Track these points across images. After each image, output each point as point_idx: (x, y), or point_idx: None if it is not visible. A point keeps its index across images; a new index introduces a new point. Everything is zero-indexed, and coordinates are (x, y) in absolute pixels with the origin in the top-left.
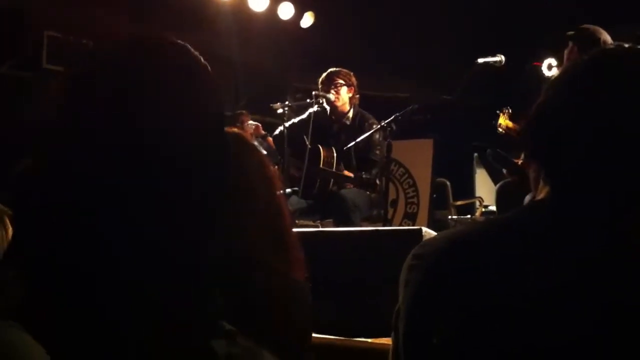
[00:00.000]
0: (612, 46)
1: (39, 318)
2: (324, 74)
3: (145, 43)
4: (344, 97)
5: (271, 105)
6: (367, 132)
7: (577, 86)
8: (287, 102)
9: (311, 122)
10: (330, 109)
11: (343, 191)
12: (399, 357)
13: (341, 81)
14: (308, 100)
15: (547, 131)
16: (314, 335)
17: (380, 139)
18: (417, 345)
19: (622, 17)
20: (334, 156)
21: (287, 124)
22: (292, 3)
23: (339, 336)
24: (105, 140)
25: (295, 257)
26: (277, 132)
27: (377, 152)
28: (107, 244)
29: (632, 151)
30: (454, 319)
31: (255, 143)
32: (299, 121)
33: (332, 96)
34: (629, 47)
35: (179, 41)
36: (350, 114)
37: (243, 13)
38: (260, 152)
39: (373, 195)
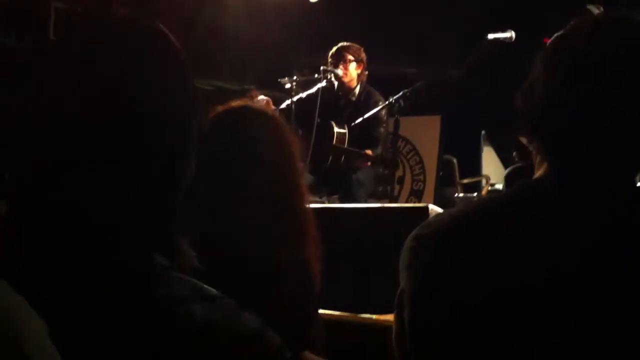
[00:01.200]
0: (598, 16)
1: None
2: (334, 48)
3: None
4: (352, 72)
5: (279, 80)
6: (372, 109)
7: (570, 61)
8: (294, 77)
9: (319, 97)
10: (337, 85)
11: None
12: (405, 342)
13: (350, 57)
14: (316, 75)
15: (542, 108)
16: (320, 311)
17: (386, 116)
18: (424, 331)
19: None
20: (346, 134)
21: (294, 99)
22: None
23: (345, 312)
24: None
25: (308, 232)
26: (283, 105)
27: (382, 129)
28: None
29: (630, 129)
30: (460, 302)
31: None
32: (307, 96)
33: (340, 71)
34: (617, 18)
35: (154, 25)
36: (357, 91)
37: None
38: (275, 122)
39: (381, 171)
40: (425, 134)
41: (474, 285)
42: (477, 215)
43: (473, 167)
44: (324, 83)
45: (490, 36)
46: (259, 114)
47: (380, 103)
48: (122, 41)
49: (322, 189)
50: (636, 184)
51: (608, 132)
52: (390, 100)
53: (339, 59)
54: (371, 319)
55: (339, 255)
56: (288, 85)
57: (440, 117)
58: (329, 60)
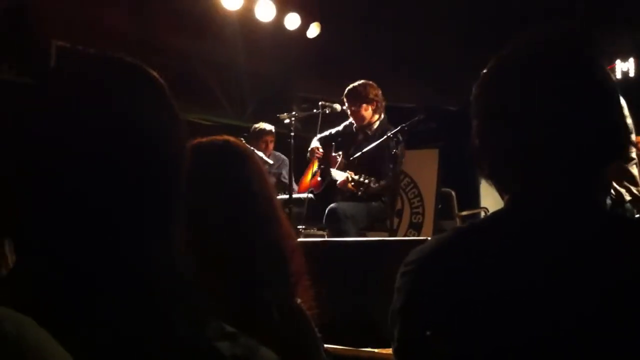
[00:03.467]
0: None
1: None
2: (346, 90)
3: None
4: (363, 114)
5: (278, 115)
6: (384, 142)
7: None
8: (293, 112)
9: (319, 126)
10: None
11: (338, 204)
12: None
13: (359, 100)
14: (314, 110)
15: (483, 151)
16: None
17: (399, 152)
18: (411, 347)
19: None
20: (340, 162)
21: (321, 136)
22: (299, 14)
23: (346, 346)
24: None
25: (296, 271)
26: (318, 138)
27: (391, 165)
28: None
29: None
30: (442, 319)
31: (261, 155)
32: (334, 132)
33: (337, 106)
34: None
35: (136, 64)
36: (375, 126)
37: (249, 23)
38: (253, 160)
39: (374, 204)
40: (423, 167)
41: (454, 303)
42: (456, 239)
43: (471, 199)
44: (349, 121)
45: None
46: (238, 151)
47: (393, 140)
48: (110, 83)
49: (316, 221)
50: (593, 195)
51: (544, 163)
52: (389, 134)
53: (350, 102)
54: (373, 352)
55: (339, 289)
56: (287, 121)
57: (438, 150)
58: (344, 100)
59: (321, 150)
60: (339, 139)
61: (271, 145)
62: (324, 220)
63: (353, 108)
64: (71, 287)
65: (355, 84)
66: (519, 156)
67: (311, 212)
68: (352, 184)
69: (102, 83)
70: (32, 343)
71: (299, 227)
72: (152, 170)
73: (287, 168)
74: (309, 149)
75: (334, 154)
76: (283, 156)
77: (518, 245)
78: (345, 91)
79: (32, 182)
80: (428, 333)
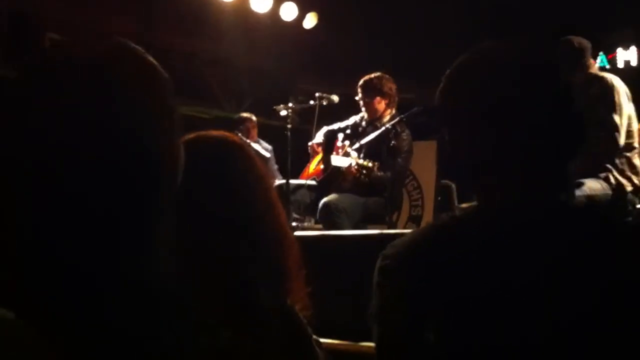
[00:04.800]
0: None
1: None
2: (361, 81)
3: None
4: (377, 107)
5: (274, 107)
6: (391, 136)
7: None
8: (290, 104)
9: (316, 118)
10: (366, 113)
11: (332, 196)
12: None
13: (374, 93)
14: (311, 102)
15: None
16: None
17: (405, 148)
18: (395, 344)
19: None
20: (344, 150)
21: (289, 126)
22: (295, 3)
23: (345, 340)
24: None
25: (292, 268)
26: (323, 131)
27: (401, 159)
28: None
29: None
30: (423, 315)
31: (256, 145)
32: (343, 126)
33: (335, 97)
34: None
35: (126, 44)
36: (386, 119)
37: (245, 14)
38: (250, 155)
39: (373, 199)
40: (422, 159)
41: (435, 299)
42: (436, 235)
43: (471, 192)
44: (360, 115)
45: None
46: (235, 146)
47: (402, 134)
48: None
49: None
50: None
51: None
52: (387, 126)
53: (364, 92)
54: (371, 347)
55: (338, 283)
56: (284, 113)
57: (436, 142)
58: (358, 91)
59: (320, 146)
60: (348, 132)
61: (254, 132)
62: (317, 215)
63: (367, 100)
64: (71, 287)
65: (372, 75)
66: (488, 157)
67: (315, 200)
68: (356, 167)
69: (91, 74)
70: None
71: (293, 223)
72: (141, 165)
73: (272, 155)
74: (310, 143)
75: (340, 144)
76: (269, 145)
77: (497, 241)
78: (361, 82)
79: (25, 179)
80: (413, 329)
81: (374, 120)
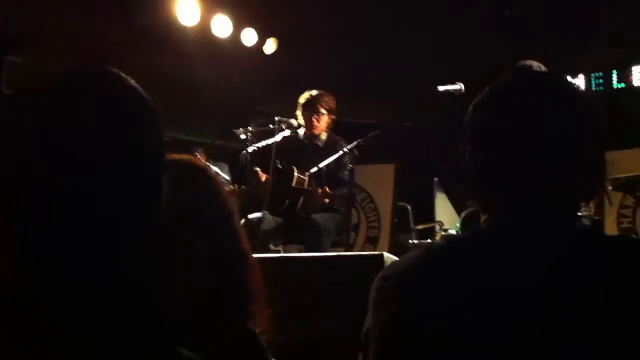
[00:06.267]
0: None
1: None
2: (307, 96)
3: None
4: (322, 124)
5: (234, 130)
6: (342, 157)
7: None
8: (249, 128)
9: (274, 146)
10: (304, 132)
11: (316, 216)
12: None
13: (323, 109)
14: (270, 126)
15: (467, 173)
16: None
17: (348, 162)
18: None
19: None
20: (306, 178)
21: (250, 149)
22: (255, 29)
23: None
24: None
25: (253, 290)
26: (244, 151)
27: (346, 172)
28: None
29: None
30: (424, 336)
31: (216, 169)
32: (266, 145)
33: (294, 122)
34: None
35: (113, 71)
36: (324, 137)
37: (207, 38)
38: (215, 178)
39: (339, 215)
40: (379, 182)
41: (437, 321)
42: (438, 255)
43: (427, 213)
44: (287, 132)
45: (441, 88)
46: (203, 169)
47: (345, 147)
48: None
49: (281, 237)
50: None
51: (521, 185)
52: (345, 149)
53: (312, 109)
54: None
55: (296, 303)
56: (243, 136)
57: (394, 166)
58: (301, 106)
59: (260, 172)
60: (282, 151)
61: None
62: (303, 235)
63: (314, 117)
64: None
65: (314, 92)
66: (505, 183)
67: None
68: (321, 193)
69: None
70: None
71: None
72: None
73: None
74: (251, 170)
75: (280, 166)
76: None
77: (504, 263)
78: (305, 98)
79: (26, 183)
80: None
81: (313, 138)
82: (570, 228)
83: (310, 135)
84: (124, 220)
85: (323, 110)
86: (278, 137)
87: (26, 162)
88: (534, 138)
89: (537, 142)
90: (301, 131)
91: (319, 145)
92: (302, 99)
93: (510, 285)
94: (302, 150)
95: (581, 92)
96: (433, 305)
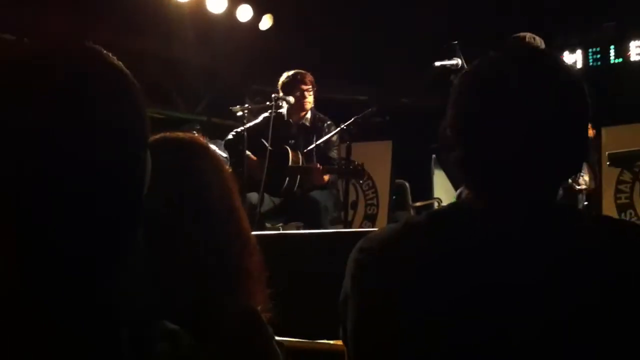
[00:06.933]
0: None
1: None
2: (289, 74)
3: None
4: (311, 99)
5: (230, 108)
6: (325, 132)
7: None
8: (246, 105)
9: (270, 125)
10: (288, 111)
11: (313, 193)
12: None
13: (310, 86)
14: (267, 103)
15: (454, 145)
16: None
17: (338, 141)
18: (367, 332)
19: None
20: (300, 157)
21: (245, 127)
22: (251, 5)
23: (301, 339)
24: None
25: (253, 269)
26: (230, 136)
27: (335, 152)
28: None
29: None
30: (403, 309)
31: (214, 147)
32: (254, 125)
33: (291, 99)
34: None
35: (92, 47)
36: (308, 116)
37: (201, 15)
38: (217, 156)
39: (335, 192)
40: (377, 159)
41: (425, 297)
42: (420, 228)
43: (425, 190)
44: (269, 112)
45: (437, 63)
46: (204, 147)
47: (333, 127)
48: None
49: (281, 216)
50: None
51: (508, 165)
52: (342, 126)
53: (299, 85)
54: (328, 344)
55: (294, 282)
56: (240, 114)
57: (391, 142)
58: (284, 85)
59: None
60: (275, 133)
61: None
62: (301, 213)
63: (307, 92)
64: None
65: (302, 71)
66: (491, 165)
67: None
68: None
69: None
70: None
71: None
72: (117, 165)
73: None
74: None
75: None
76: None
77: (486, 241)
78: (293, 74)
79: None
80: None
81: (299, 120)
82: (569, 219)
83: (295, 114)
84: (120, 214)
85: (309, 86)
86: (260, 119)
87: (15, 158)
88: (517, 123)
89: (520, 126)
90: (284, 111)
91: (305, 125)
92: (296, 75)
93: (501, 276)
94: (289, 130)
95: (564, 71)
96: (407, 282)
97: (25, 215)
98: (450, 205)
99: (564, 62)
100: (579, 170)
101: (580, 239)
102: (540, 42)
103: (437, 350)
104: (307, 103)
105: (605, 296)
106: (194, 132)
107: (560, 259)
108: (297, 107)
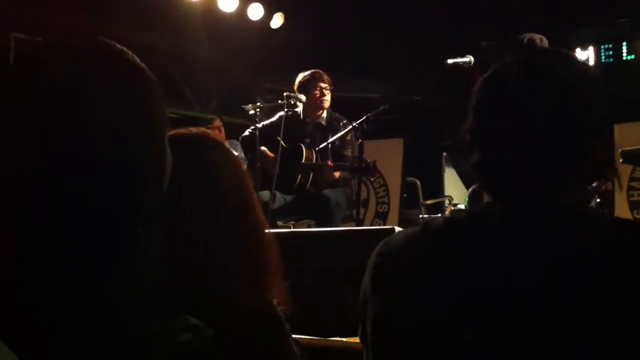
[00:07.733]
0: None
1: None
2: (309, 74)
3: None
4: (329, 98)
5: (243, 106)
6: (340, 131)
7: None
8: (258, 103)
9: (282, 123)
10: (305, 110)
11: (325, 191)
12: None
13: (327, 84)
14: (279, 102)
15: (472, 150)
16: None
17: (353, 139)
18: (384, 334)
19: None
20: (314, 155)
21: (259, 125)
22: (262, 4)
23: (315, 336)
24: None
25: (269, 265)
26: (247, 133)
27: (349, 150)
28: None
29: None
30: (424, 311)
31: (227, 144)
32: (270, 123)
33: (303, 97)
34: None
35: (111, 44)
36: (324, 114)
37: (213, 13)
38: (229, 151)
39: (348, 190)
40: (388, 157)
41: (436, 298)
42: (435, 232)
43: (436, 188)
44: (285, 111)
45: (450, 61)
46: (215, 141)
47: (348, 125)
48: (81, 65)
49: (293, 214)
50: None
51: (524, 171)
52: (354, 124)
53: (317, 82)
54: (341, 341)
55: (307, 279)
56: (252, 112)
57: (403, 140)
58: (301, 84)
59: (267, 151)
60: (285, 130)
61: (222, 133)
62: (312, 210)
63: (329, 90)
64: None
65: (319, 70)
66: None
67: (281, 204)
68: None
69: (83, 74)
70: None
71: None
72: (130, 163)
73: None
74: (260, 150)
75: (284, 146)
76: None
77: (504, 244)
78: (315, 73)
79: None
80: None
81: (314, 119)
82: (571, 219)
83: (311, 113)
84: (120, 214)
85: (327, 84)
86: (275, 117)
87: (15, 158)
88: (534, 126)
89: (537, 130)
90: (300, 110)
91: (321, 124)
92: (314, 74)
93: (507, 278)
94: (304, 128)
95: (581, 72)
96: (417, 284)
97: (25, 215)
98: (468, 211)
99: (583, 66)
100: (602, 175)
101: (581, 240)
102: (546, 44)
103: (440, 350)
104: (325, 101)
105: (605, 296)
106: (209, 126)
107: (561, 260)
108: (315, 106)
